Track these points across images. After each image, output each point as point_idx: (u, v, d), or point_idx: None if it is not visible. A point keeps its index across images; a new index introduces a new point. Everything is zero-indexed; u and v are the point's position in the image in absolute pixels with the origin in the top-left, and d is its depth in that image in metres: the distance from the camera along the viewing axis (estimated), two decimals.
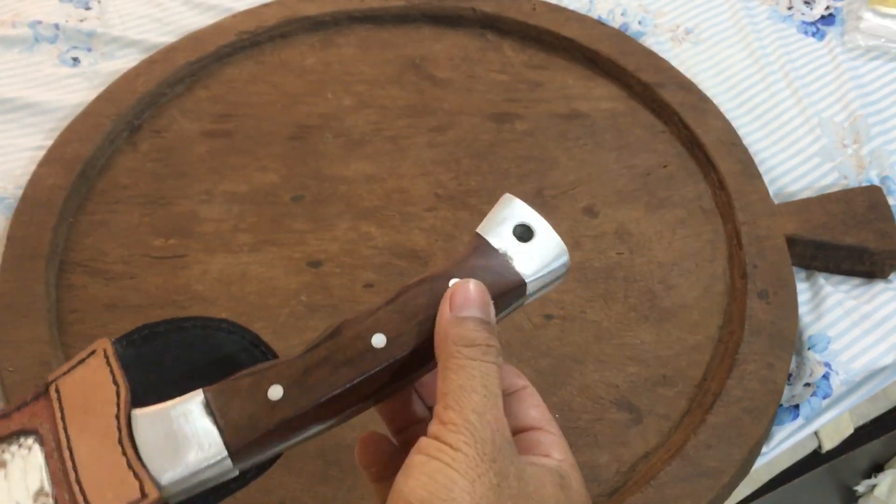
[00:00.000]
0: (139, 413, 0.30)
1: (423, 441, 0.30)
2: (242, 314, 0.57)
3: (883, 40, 0.75)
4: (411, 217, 0.62)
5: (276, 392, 0.31)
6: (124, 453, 0.29)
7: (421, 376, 0.34)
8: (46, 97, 0.71)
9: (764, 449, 0.54)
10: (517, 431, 0.34)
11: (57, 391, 0.31)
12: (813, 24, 0.78)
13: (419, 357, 0.32)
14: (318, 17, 0.75)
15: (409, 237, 0.61)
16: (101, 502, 0.28)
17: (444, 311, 0.32)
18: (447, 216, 0.62)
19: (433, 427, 0.30)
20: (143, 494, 0.28)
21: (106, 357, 0.31)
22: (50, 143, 0.66)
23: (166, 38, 0.75)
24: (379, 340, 0.32)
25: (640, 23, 0.77)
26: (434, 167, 0.65)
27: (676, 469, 0.49)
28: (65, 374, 0.31)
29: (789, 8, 0.79)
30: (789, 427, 0.55)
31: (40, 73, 0.73)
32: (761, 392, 0.52)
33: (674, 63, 0.72)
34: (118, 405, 0.30)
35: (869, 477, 0.73)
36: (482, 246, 0.35)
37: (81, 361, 0.31)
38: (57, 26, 0.76)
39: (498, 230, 0.35)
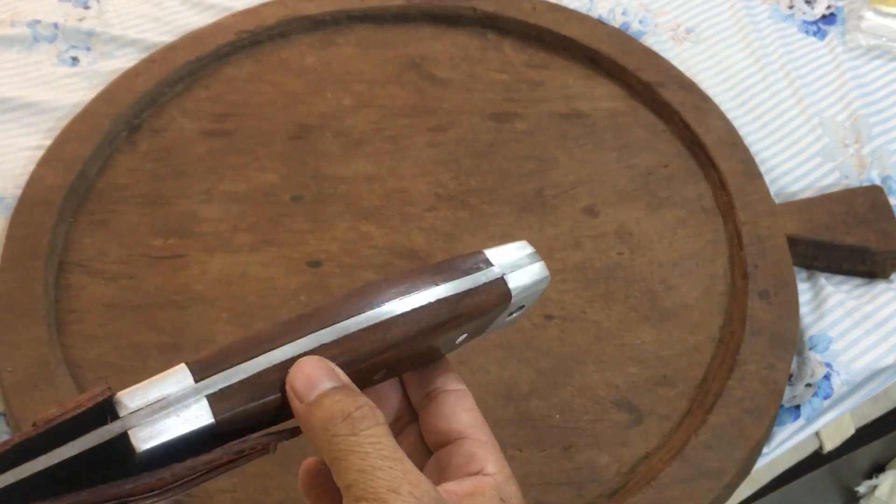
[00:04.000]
0: None
1: None
2: (242, 314, 0.57)
3: (884, 39, 0.75)
4: (411, 217, 0.62)
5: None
6: None
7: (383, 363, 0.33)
8: (45, 97, 0.71)
9: (765, 449, 0.54)
10: (449, 438, 0.33)
11: None
12: (814, 23, 0.77)
13: (381, 287, 0.33)
14: (318, 17, 0.74)
15: (409, 237, 0.61)
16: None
17: (296, 406, 0.29)
18: (447, 216, 0.62)
19: None
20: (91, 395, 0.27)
21: None
22: (49, 142, 0.66)
23: (165, 37, 0.75)
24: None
25: (640, 22, 0.77)
26: (434, 167, 0.65)
27: (677, 470, 0.49)
28: None
29: (790, 7, 0.79)
30: (790, 427, 0.55)
31: (39, 72, 0.73)
32: (762, 392, 0.52)
33: (674, 62, 0.72)
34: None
35: (870, 477, 0.73)
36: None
37: None
38: (56, 25, 0.76)
39: None
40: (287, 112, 0.69)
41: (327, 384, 0.29)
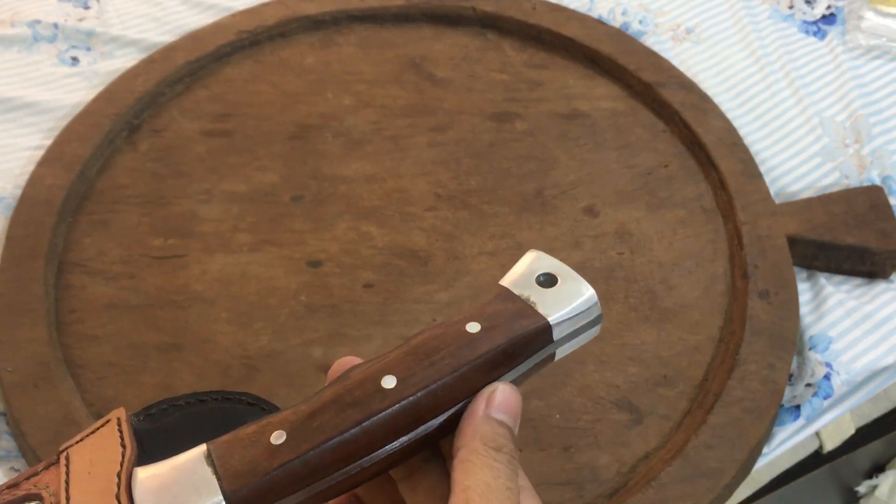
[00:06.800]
0: (140, 470, 0.29)
1: None
2: (242, 314, 0.57)
3: (884, 40, 0.75)
4: (411, 217, 0.62)
5: (278, 437, 0.29)
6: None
7: (430, 443, 0.32)
8: (45, 96, 0.71)
9: (765, 449, 0.54)
10: None
11: (67, 458, 0.30)
12: (814, 23, 0.77)
13: (432, 401, 0.31)
14: (318, 17, 0.74)
15: (409, 237, 0.61)
16: None
17: (479, 406, 0.31)
18: (447, 216, 0.62)
19: None
20: None
21: (118, 423, 0.30)
22: (49, 142, 0.66)
23: (165, 37, 0.75)
24: (389, 382, 0.30)
25: (640, 22, 0.77)
26: (434, 167, 0.65)
27: (677, 470, 0.49)
28: (77, 442, 0.30)
29: (790, 7, 0.79)
30: (790, 427, 0.55)
31: (39, 72, 0.73)
32: (762, 392, 0.52)
33: (674, 62, 0.72)
34: (122, 464, 0.29)
35: (870, 477, 0.73)
36: (504, 294, 0.34)
37: (95, 430, 0.31)
38: (56, 25, 0.76)
39: (521, 280, 0.34)
40: (287, 112, 0.69)
41: (510, 420, 0.32)
